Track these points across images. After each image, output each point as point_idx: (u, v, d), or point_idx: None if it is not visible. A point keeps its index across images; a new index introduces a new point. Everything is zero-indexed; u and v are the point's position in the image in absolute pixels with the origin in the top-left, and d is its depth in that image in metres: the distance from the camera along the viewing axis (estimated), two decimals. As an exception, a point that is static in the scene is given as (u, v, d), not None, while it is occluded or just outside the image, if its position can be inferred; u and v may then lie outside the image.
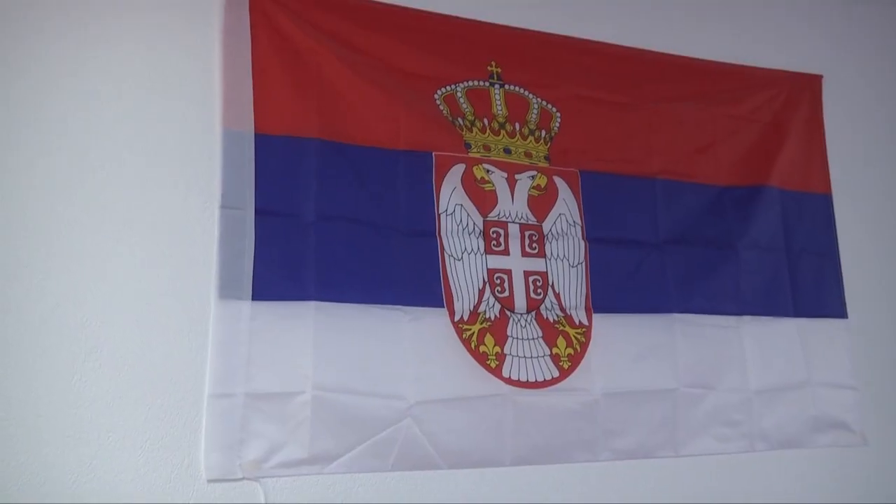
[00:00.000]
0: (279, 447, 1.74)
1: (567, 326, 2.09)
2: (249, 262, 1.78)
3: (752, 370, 2.30)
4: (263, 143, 1.86)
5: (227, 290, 1.76)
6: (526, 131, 2.19)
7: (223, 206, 1.80)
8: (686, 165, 2.39)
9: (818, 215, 2.57)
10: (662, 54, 2.44)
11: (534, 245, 2.11)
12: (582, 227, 2.18)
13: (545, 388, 2.01)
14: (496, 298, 2.03)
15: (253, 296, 1.77)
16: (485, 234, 2.06)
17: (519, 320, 2.04)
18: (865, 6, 2.87)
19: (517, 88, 2.22)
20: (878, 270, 2.62)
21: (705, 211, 2.39)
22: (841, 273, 2.54)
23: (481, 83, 2.18)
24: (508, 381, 1.97)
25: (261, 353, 1.75)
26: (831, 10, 2.83)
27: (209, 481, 1.69)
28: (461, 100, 2.14)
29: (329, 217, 1.89)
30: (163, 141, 1.82)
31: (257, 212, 1.82)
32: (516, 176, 2.14)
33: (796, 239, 2.49)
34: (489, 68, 2.20)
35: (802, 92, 2.64)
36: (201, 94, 1.88)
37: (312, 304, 1.82)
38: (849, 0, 2.85)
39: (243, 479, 1.71)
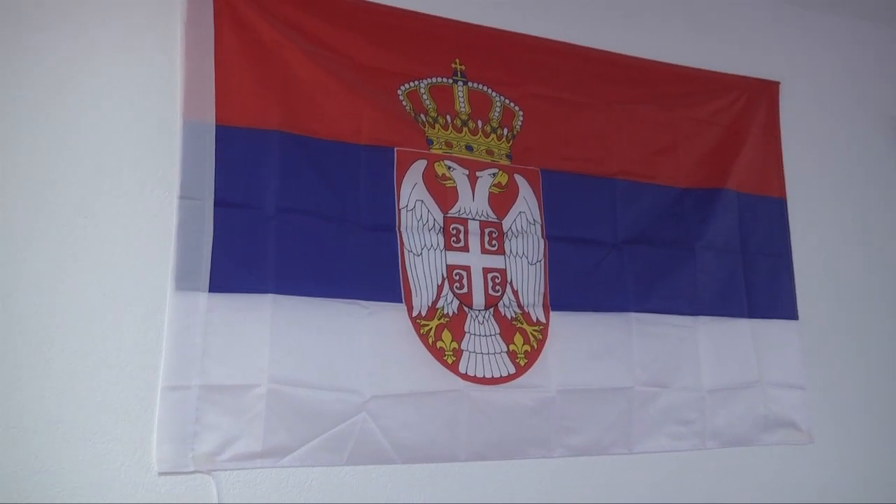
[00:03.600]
0: (233, 440, 1.73)
1: (524, 324, 2.10)
2: (207, 254, 1.77)
3: (706, 370, 2.34)
4: (224, 135, 1.85)
5: (183, 281, 1.75)
6: (488, 129, 2.20)
7: (182, 197, 1.79)
8: (646, 166, 2.41)
9: (773, 219, 2.61)
10: (625, 56, 2.47)
11: (493, 242, 2.12)
12: (542, 226, 2.19)
13: (501, 385, 2.02)
14: (454, 294, 2.03)
15: (210, 287, 1.76)
16: (445, 231, 2.06)
17: (477, 317, 2.04)
18: (822, 15, 2.93)
19: (480, 86, 2.22)
20: (828, 274, 2.67)
21: (664, 212, 2.41)
22: (793, 276, 2.58)
23: (445, 80, 2.18)
24: (465, 376, 1.98)
25: (217, 345, 1.74)
26: (789, 18, 2.87)
27: (160, 474, 1.67)
28: (424, 96, 2.14)
29: (289, 210, 1.89)
30: (122, 130, 1.80)
31: (216, 203, 1.81)
32: (477, 173, 2.15)
33: (752, 241, 2.54)
34: (453, 65, 2.20)
35: (760, 97, 2.68)
36: (162, 83, 1.86)
37: (270, 296, 1.81)
38: (806, 9, 2.89)
39: (195, 472, 1.70)
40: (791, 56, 2.82)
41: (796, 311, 2.55)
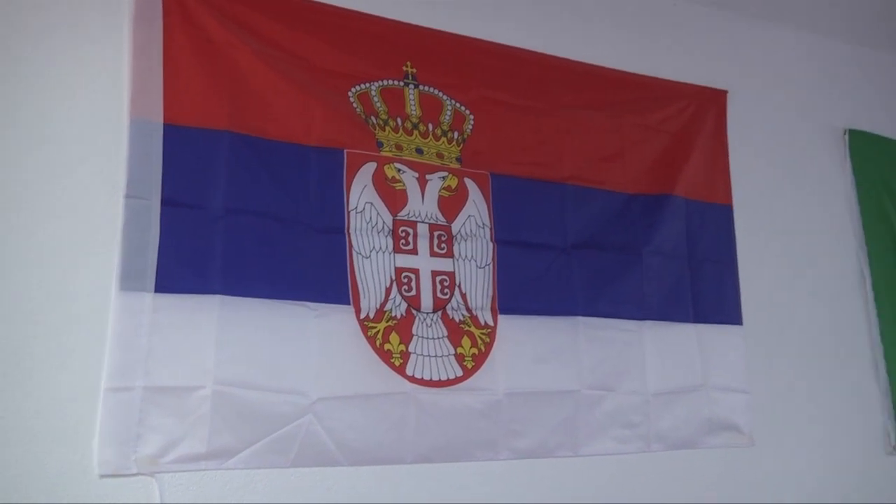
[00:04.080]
0: (177, 442, 1.73)
1: (472, 327, 2.14)
2: (153, 254, 1.78)
3: (651, 373, 2.39)
4: (172, 134, 1.86)
5: (128, 281, 1.75)
6: (439, 132, 2.23)
7: (128, 196, 1.79)
8: (595, 172, 2.46)
9: (719, 225, 2.68)
10: (576, 62, 2.52)
11: (442, 245, 2.15)
12: (491, 229, 2.23)
13: (448, 387, 2.05)
14: (403, 297, 2.06)
15: (156, 288, 1.76)
16: (394, 233, 2.09)
17: (425, 319, 2.08)
18: (770, 26, 3.02)
19: (432, 89, 2.25)
20: (771, 280, 2.75)
21: (612, 217, 2.46)
22: (738, 282, 2.65)
23: (396, 83, 2.21)
24: (412, 379, 2.01)
25: (162, 346, 1.75)
26: (738, 29, 2.96)
27: (102, 477, 1.67)
28: (375, 98, 2.16)
29: (238, 211, 1.90)
30: (67, 128, 1.81)
31: (164, 202, 1.82)
32: (427, 176, 2.18)
33: (698, 247, 2.60)
34: (404, 68, 2.23)
35: (708, 106, 2.75)
36: (109, 81, 1.87)
37: (217, 297, 1.82)
38: (754, 20, 2.99)
39: (138, 474, 1.70)
40: (739, 66, 2.90)
41: (741, 316, 2.62)
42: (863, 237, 2.97)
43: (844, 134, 3.06)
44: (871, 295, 2.92)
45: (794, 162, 2.95)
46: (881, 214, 3.02)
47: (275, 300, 1.89)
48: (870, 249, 2.96)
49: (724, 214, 2.70)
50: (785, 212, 2.87)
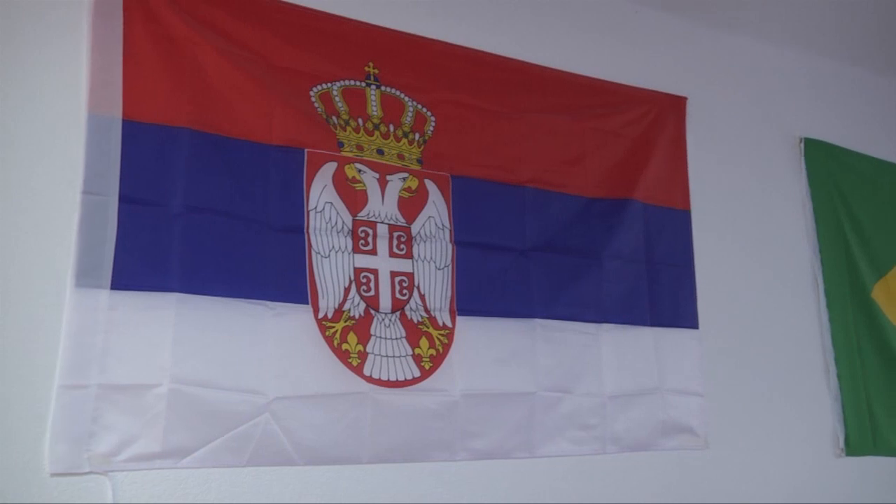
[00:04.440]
0: (131, 440, 1.74)
1: (430, 328, 2.16)
2: (110, 250, 1.78)
3: (608, 376, 2.43)
4: (131, 130, 1.87)
5: (84, 277, 1.75)
6: (400, 133, 2.25)
7: (85, 192, 1.79)
8: (555, 175, 2.50)
9: (678, 230, 2.73)
10: (537, 66, 2.55)
11: (402, 246, 2.18)
12: (450, 231, 2.26)
13: (406, 388, 2.08)
14: (361, 297, 2.08)
15: (112, 285, 1.77)
16: (353, 234, 2.11)
17: (383, 320, 2.10)
18: (729, 35, 3.09)
19: (393, 90, 2.27)
20: (728, 285, 2.81)
21: (572, 221, 2.50)
22: (695, 286, 2.71)
23: (358, 83, 2.23)
24: (369, 379, 2.03)
25: (117, 343, 1.75)
26: (698, 37, 3.03)
27: (53, 475, 1.67)
28: (337, 98, 2.18)
29: (197, 208, 1.91)
30: (25, 123, 1.80)
31: (121, 199, 1.82)
32: (388, 177, 2.20)
33: (656, 252, 2.65)
34: (366, 69, 2.25)
35: (669, 112, 2.81)
36: (68, 75, 1.86)
37: (175, 295, 1.83)
38: (714, 28, 3.05)
39: (91, 472, 1.70)
40: (699, 73, 2.97)
41: (697, 320, 2.67)
42: (816, 244, 3.05)
43: (800, 142, 3.14)
44: (823, 301, 3.00)
45: (751, 169, 3.01)
46: (835, 222, 3.10)
47: (233, 299, 1.90)
48: (823, 256, 3.04)
49: (682, 219, 2.75)
50: (742, 218, 2.93)
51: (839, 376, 2.94)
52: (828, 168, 3.16)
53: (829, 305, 3.00)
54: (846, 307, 3.03)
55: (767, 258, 2.96)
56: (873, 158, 3.32)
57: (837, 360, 2.95)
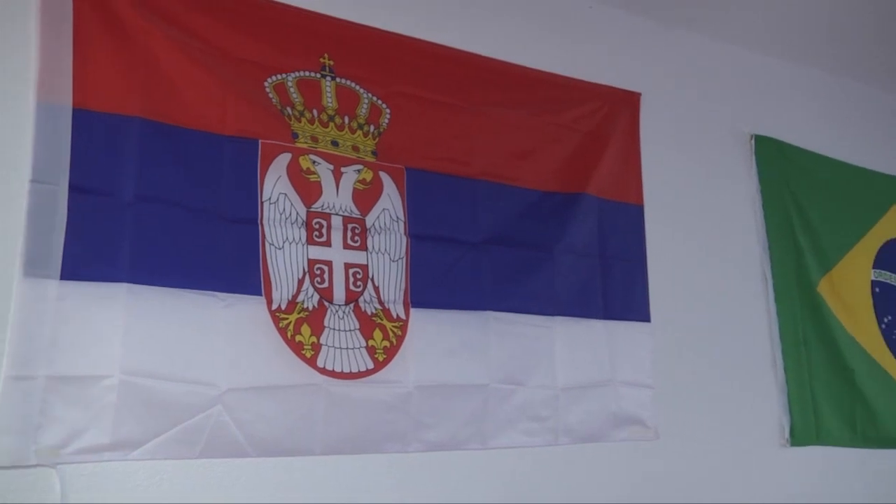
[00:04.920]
0: (80, 432, 1.74)
1: (384, 319, 2.19)
2: (60, 240, 1.77)
3: (561, 368, 2.47)
4: (82, 119, 1.86)
5: (32, 267, 1.74)
6: (355, 125, 2.27)
7: (33, 181, 1.78)
8: (509, 169, 2.53)
9: (630, 224, 2.78)
10: (493, 60, 2.58)
11: (356, 238, 2.19)
12: (405, 223, 2.28)
13: (359, 380, 2.10)
14: (315, 289, 2.10)
15: (61, 275, 1.76)
16: (307, 225, 2.12)
17: (337, 311, 2.12)
18: (682, 32, 3.15)
19: (349, 82, 2.28)
20: (679, 279, 2.86)
21: (525, 214, 2.53)
22: (647, 280, 2.76)
23: (313, 74, 2.23)
24: (323, 371, 2.04)
25: (66, 334, 1.75)
26: (652, 34, 3.07)
27: (-1, 468, 1.66)
28: (291, 89, 2.19)
29: (148, 198, 1.91)
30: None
31: (71, 188, 1.81)
32: (342, 169, 2.21)
33: (609, 246, 2.69)
34: (322, 60, 2.25)
35: (622, 107, 2.85)
36: (16, 62, 1.84)
37: (125, 286, 1.82)
38: (668, 25, 3.10)
39: (38, 465, 1.69)
40: (652, 69, 3.01)
41: (649, 313, 2.72)
42: (765, 239, 3.11)
43: (751, 139, 3.20)
44: (771, 295, 3.07)
45: (702, 165, 3.07)
46: (783, 218, 3.17)
47: (185, 290, 1.90)
48: (772, 251, 3.11)
49: (635, 214, 2.79)
50: (693, 213, 2.99)
51: (786, 369, 3.01)
52: (777, 165, 3.22)
53: (776, 299, 3.07)
54: (793, 301, 3.11)
55: (718, 253, 3.02)
56: (821, 156, 3.39)
57: (784, 353, 3.02)
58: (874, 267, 3.45)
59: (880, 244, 3.50)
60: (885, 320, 3.40)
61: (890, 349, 3.37)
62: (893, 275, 3.50)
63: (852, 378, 3.18)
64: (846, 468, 3.13)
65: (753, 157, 3.20)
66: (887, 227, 3.54)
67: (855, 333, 3.26)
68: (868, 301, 3.38)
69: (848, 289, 3.31)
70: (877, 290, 3.42)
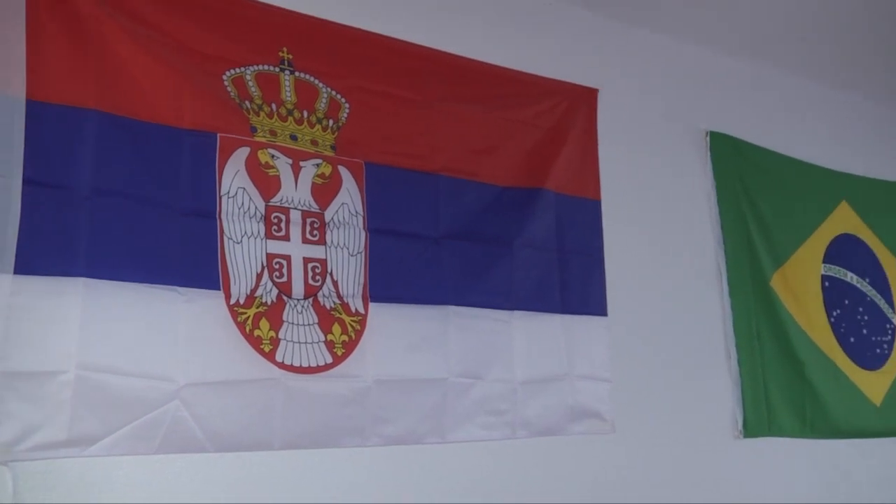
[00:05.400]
0: (35, 429, 1.72)
1: (343, 314, 2.20)
2: (13, 234, 1.76)
3: (519, 362, 2.50)
4: (36, 111, 1.84)
5: (-15, 262, 1.72)
6: (314, 119, 2.27)
7: None
8: (469, 164, 2.55)
9: (588, 219, 2.81)
10: (451, 55, 2.59)
11: (315, 232, 2.20)
12: (364, 218, 2.29)
13: (318, 374, 2.11)
14: (274, 283, 2.10)
15: (15, 269, 1.75)
16: (266, 219, 2.12)
17: (296, 306, 2.12)
18: (639, 30, 3.19)
19: (307, 76, 2.28)
20: (636, 273, 2.90)
21: (485, 209, 2.55)
22: (604, 274, 2.79)
23: (272, 68, 2.23)
24: (281, 365, 2.05)
25: (21, 329, 1.73)
26: (609, 31, 3.11)
27: (-51, 466, 1.65)
28: (250, 83, 2.18)
29: (105, 192, 1.90)
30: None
31: (25, 181, 1.79)
32: (301, 163, 2.21)
33: (567, 241, 2.72)
34: (280, 54, 2.25)
35: (580, 103, 2.87)
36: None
37: (81, 280, 1.81)
38: (625, 23, 3.14)
39: (-11, 463, 1.68)
40: (610, 66, 3.05)
41: (606, 308, 2.75)
42: (720, 235, 3.17)
43: (706, 136, 3.26)
44: (726, 290, 3.13)
45: (659, 160, 3.11)
46: (737, 213, 3.23)
47: (142, 284, 1.90)
48: (726, 247, 3.16)
49: (592, 209, 2.82)
50: (650, 208, 3.03)
51: (739, 362, 3.07)
52: (732, 161, 3.27)
53: (731, 294, 3.12)
54: (747, 296, 3.17)
55: (674, 248, 3.07)
56: (774, 152, 3.46)
57: (738, 347, 3.08)
58: (824, 262, 3.53)
59: (830, 239, 3.58)
60: (834, 314, 3.49)
61: (838, 342, 3.46)
62: (842, 269, 3.59)
63: (802, 371, 3.25)
64: (796, 459, 3.21)
65: (708, 154, 3.25)
66: (837, 223, 3.63)
67: (805, 327, 3.33)
68: (818, 295, 3.46)
69: (799, 283, 3.39)
70: (826, 284, 3.51)
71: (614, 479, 2.67)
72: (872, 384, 3.51)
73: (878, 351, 3.61)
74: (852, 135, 3.92)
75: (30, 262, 1.76)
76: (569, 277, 2.70)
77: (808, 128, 3.71)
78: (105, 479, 1.85)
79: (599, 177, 2.87)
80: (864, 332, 3.59)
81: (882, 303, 3.70)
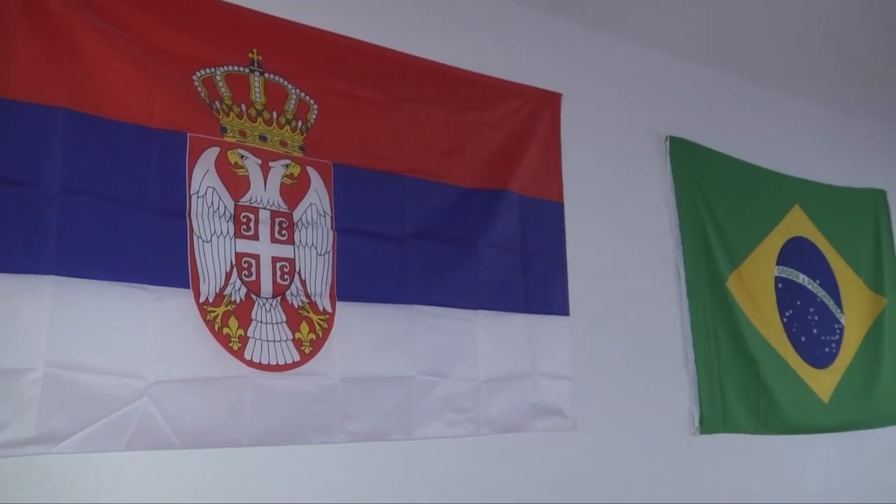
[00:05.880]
0: (3, 426, 1.71)
1: (311, 313, 2.21)
2: None
3: (483, 361, 2.53)
4: (4, 108, 1.83)
5: (-48, 260, 1.71)
6: (283, 120, 2.28)
7: None
8: (435, 165, 2.57)
9: (551, 221, 2.84)
10: (420, 59, 2.62)
11: (283, 232, 2.21)
12: (331, 218, 2.31)
13: (285, 372, 2.12)
14: (243, 282, 2.11)
15: None
16: (235, 219, 2.13)
17: (264, 304, 2.14)
18: (602, 36, 3.24)
19: (277, 78, 2.29)
20: (597, 274, 2.95)
21: (450, 210, 2.58)
22: (567, 275, 2.83)
23: (241, 69, 2.24)
24: (250, 363, 2.06)
25: None
26: (573, 36, 3.15)
27: (-84, 464, 1.63)
28: (220, 84, 2.19)
29: (74, 190, 1.89)
30: None
31: None
32: (270, 163, 2.22)
33: (530, 242, 2.75)
34: (250, 55, 2.26)
35: (544, 107, 2.91)
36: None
37: (50, 278, 1.81)
38: (589, 29, 3.19)
39: (-43, 460, 1.67)
40: (573, 71, 3.09)
41: (568, 307, 2.79)
42: (679, 237, 3.22)
43: (666, 140, 3.31)
44: (684, 290, 3.18)
45: (620, 164, 3.16)
46: (695, 216, 3.29)
47: (112, 282, 1.89)
48: (685, 248, 3.21)
49: (555, 211, 2.86)
50: (611, 210, 3.08)
51: (696, 361, 3.12)
52: (690, 165, 3.33)
53: (689, 294, 3.18)
54: (704, 296, 3.22)
55: (634, 249, 3.12)
56: (730, 157, 3.53)
57: (695, 346, 3.13)
58: (778, 263, 3.62)
59: (783, 242, 3.67)
60: (787, 314, 3.58)
61: (790, 341, 3.54)
62: (795, 271, 3.69)
63: (757, 369, 3.32)
64: (749, 454, 3.28)
65: (668, 158, 3.30)
66: (790, 226, 3.72)
67: (759, 326, 3.41)
68: (772, 296, 3.54)
69: (754, 284, 3.46)
70: (780, 285, 3.59)
71: (576, 474, 2.71)
72: (821, 382, 3.61)
73: (826, 350, 3.71)
74: (805, 141, 4.01)
75: None
76: (532, 278, 2.73)
77: (763, 134, 3.79)
78: (75, 475, 1.85)
79: (562, 179, 2.91)
80: (815, 331, 3.68)
81: (831, 303, 3.81)
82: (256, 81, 2.26)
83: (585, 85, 3.12)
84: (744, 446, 3.26)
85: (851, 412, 3.69)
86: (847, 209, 4.03)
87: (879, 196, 4.23)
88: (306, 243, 2.25)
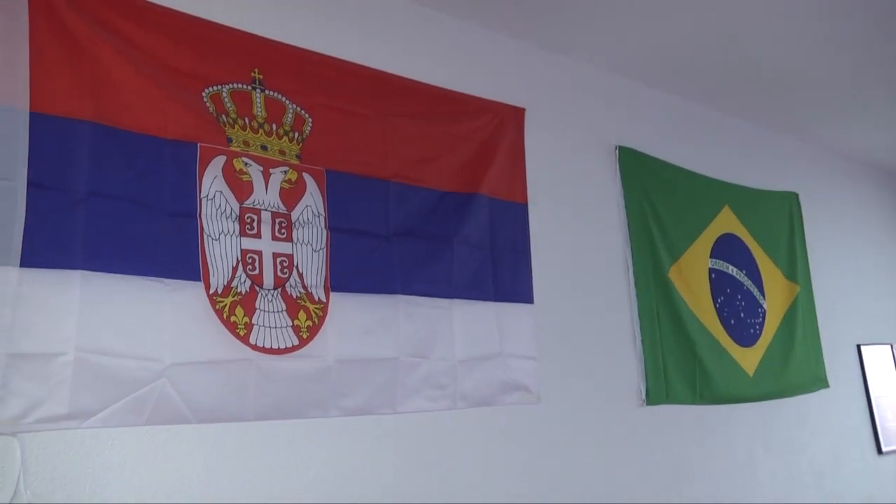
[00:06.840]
0: (39, 404, 1.73)
1: (308, 302, 2.23)
2: (19, 231, 1.75)
3: (458, 343, 2.55)
4: (38, 122, 1.83)
5: (-6, 256, 1.72)
6: (281, 132, 2.29)
7: None
8: (415, 172, 2.59)
9: (517, 220, 2.87)
10: (401, 77, 2.63)
11: (283, 231, 2.22)
12: (325, 218, 2.32)
13: (286, 355, 2.14)
14: (247, 275, 2.12)
15: (21, 262, 1.74)
16: (240, 219, 2.14)
17: (266, 295, 2.15)
18: (561, 57, 3.28)
19: (276, 94, 2.30)
20: (556, 266, 2.98)
21: (429, 211, 2.59)
22: (531, 267, 2.86)
23: (244, 86, 2.25)
24: (254, 347, 2.08)
25: (25, 316, 1.73)
26: (534, 57, 3.19)
27: (-38, 436, 1.63)
28: (226, 99, 2.19)
29: (99, 194, 1.90)
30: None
31: (29, 184, 1.79)
32: (271, 170, 2.23)
33: (499, 238, 2.78)
34: (252, 74, 2.27)
35: (510, 120, 2.94)
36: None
37: (79, 272, 1.82)
38: (549, 50, 3.23)
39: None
40: (536, 89, 3.12)
41: (532, 296, 2.82)
42: (627, 234, 3.26)
43: (616, 149, 3.35)
44: (632, 280, 3.23)
45: (576, 170, 3.20)
46: (641, 216, 3.34)
47: (132, 276, 1.90)
48: (632, 244, 3.26)
49: (520, 211, 2.88)
50: (569, 211, 3.11)
51: (643, 342, 3.17)
52: (637, 172, 3.37)
53: (636, 284, 3.23)
54: (649, 286, 3.27)
55: (589, 244, 3.15)
56: (670, 164, 3.58)
57: (642, 329, 3.19)
58: (711, 256, 3.67)
59: (715, 238, 3.73)
60: (719, 300, 3.64)
61: (721, 324, 3.60)
62: (725, 263, 3.75)
63: (694, 348, 3.37)
64: (688, 422, 3.35)
65: (618, 165, 3.34)
66: (721, 224, 3.78)
67: (696, 311, 3.46)
68: (706, 285, 3.60)
69: (691, 275, 3.51)
70: (713, 276, 3.65)
71: (540, 441, 2.75)
72: (747, 358, 3.68)
73: (751, 331, 3.79)
74: (733, 151, 4.09)
75: (34, 256, 1.76)
76: (500, 270, 2.75)
77: (698, 144, 3.85)
78: (103, 447, 1.86)
79: (526, 183, 2.93)
80: (742, 315, 3.75)
81: (755, 291, 3.89)
82: (258, 97, 2.27)
83: (546, 101, 3.15)
84: (683, 415, 3.31)
85: (771, 384, 3.77)
86: (767, 209, 4.12)
87: (793, 198, 4.34)
88: (303, 241, 2.26)
